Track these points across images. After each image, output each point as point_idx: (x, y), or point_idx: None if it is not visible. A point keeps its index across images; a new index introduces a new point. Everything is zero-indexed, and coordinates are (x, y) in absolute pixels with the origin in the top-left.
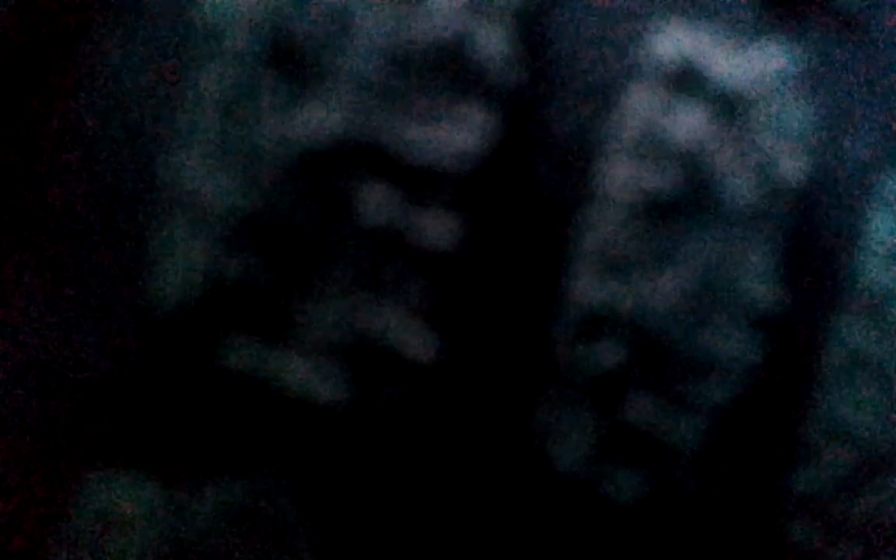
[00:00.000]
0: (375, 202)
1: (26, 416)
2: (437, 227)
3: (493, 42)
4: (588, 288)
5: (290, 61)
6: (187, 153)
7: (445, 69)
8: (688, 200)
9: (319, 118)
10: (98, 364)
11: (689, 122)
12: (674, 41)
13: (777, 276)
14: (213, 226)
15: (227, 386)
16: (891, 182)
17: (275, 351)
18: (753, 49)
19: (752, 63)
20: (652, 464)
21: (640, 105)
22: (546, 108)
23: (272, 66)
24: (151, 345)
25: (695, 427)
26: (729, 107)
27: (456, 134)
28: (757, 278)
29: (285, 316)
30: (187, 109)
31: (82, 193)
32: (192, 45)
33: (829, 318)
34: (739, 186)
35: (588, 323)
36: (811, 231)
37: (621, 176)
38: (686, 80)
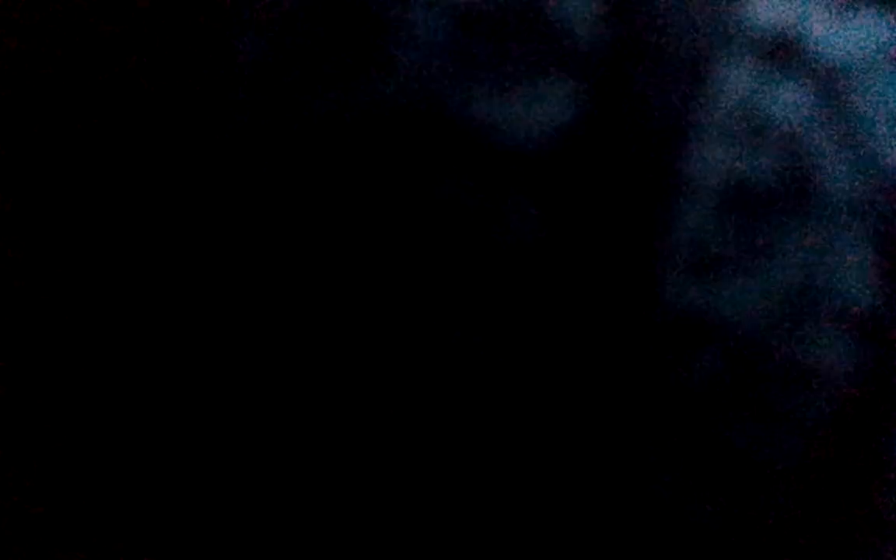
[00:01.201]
0: (449, 186)
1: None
2: (514, 218)
3: (576, 2)
4: (678, 289)
5: (347, 22)
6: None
7: (524, 32)
8: (785, 189)
9: (382, 87)
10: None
11: (787, 100)
12: (772, 9)
13: (877, 272)
14: None
15: None
16: None
17: None
18: (852, 20)
19: (851, 34)
20: (747, 486)
21: (735, 79)
22: (634, 82)
23: (323, 27)
24: None
25: (792, 446)
26: (830, 83)
27: (536, 109)
28: (856, 276)
29: None
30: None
31: None
32: (225, 4)
33: None
34: (840, 173)
35: (679, 332)
36: None
37: (714, 161)
38: (784, 52)
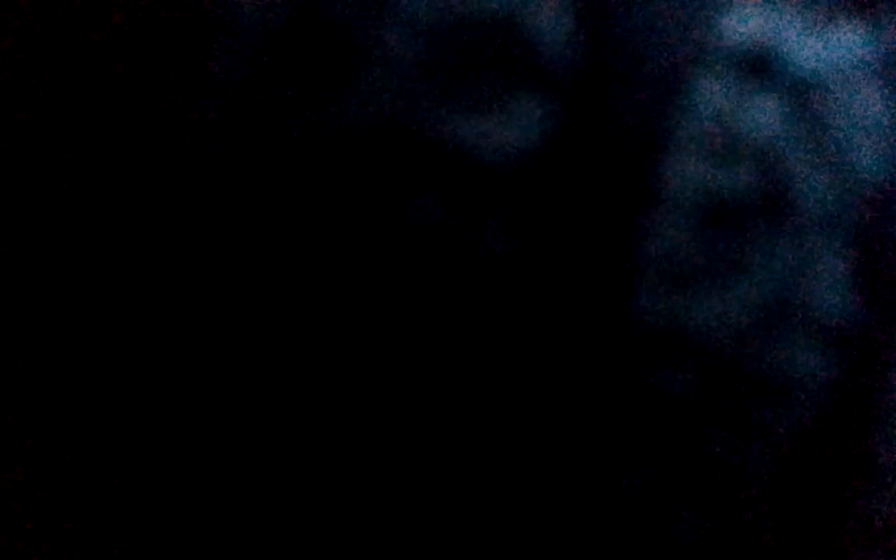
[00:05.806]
0: (420, 206)
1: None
2: (489, 235)
3: (549, 20)
4: (653, 304)
5: (318, 41)
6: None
7: (496, 50)
8: (761, 203)
9: (352, 107)
10: None
11: (763, 114)
12: (746, 22)
13: (852, 285)
14: None
15: None
16: None
17: None
18: (828, 32)
19: (828, 47)
20: (721, 499)
21: (711, 94)
22: (607, 98)
23: (295, 46)
24: None
25: (768, 457)
26: (805, 95)
27: (508, 127)
28: (831, 289)
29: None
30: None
31: None
32: (198, 22)
33: None
34: (815, 186)
35: (654, 345)
36: (886, 235)
37: (689, 175)
38: (760, 66)
